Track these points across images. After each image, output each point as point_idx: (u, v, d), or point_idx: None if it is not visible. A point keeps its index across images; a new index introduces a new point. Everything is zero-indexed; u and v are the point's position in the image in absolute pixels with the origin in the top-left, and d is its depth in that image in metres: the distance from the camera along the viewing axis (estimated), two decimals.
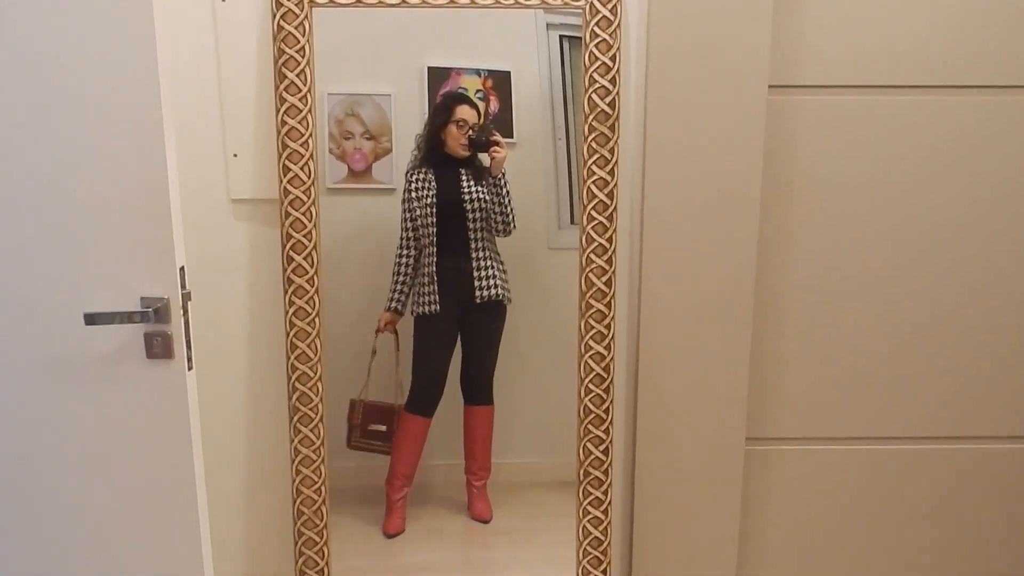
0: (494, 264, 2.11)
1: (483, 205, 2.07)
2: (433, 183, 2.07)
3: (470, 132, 2.05)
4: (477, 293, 2.07)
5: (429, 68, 2.20)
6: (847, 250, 1.48)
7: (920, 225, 1.48)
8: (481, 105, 2.17)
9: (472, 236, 2.08)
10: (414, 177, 2.09)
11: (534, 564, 2.02)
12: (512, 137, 2.20)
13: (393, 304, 2.10)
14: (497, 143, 2.05)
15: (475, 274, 2.08)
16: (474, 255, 2.08)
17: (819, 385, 1.53)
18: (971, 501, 1.60)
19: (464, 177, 2.08)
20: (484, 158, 2.06)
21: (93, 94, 1.17)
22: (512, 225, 2.10)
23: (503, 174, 2.06)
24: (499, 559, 2.18)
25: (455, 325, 2.16)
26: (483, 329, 2.17)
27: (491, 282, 2.10)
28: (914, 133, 1.45)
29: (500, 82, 2.25)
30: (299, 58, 1.39)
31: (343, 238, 2.12)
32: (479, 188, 2.08)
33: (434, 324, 2.11)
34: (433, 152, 2.08)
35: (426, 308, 2.08)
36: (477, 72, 2.24)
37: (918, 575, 1.64)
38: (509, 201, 2.08)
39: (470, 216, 2.07)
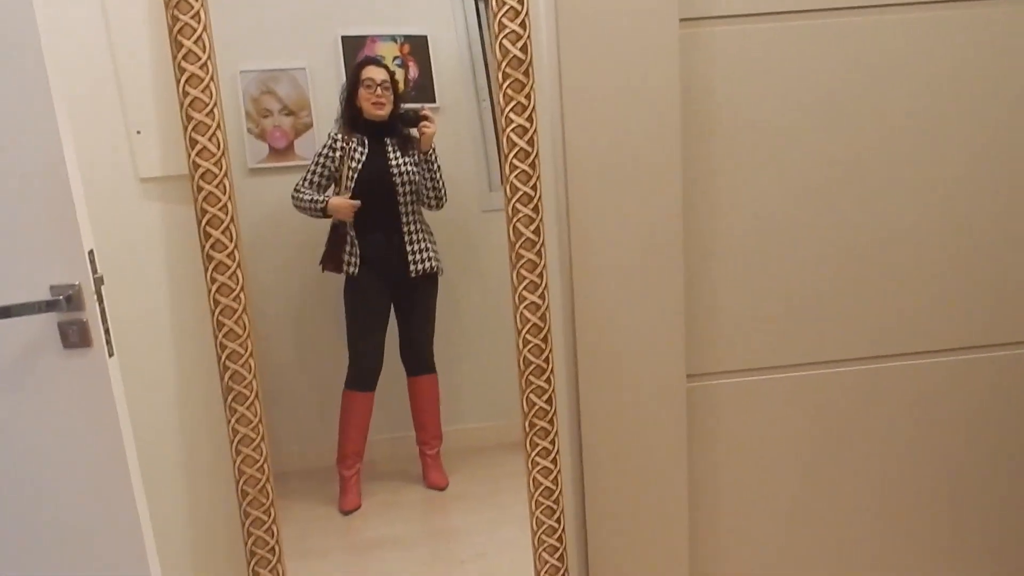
0: (425, 237, 2.08)
1: (412, 178, 2.04)
2: (362, 154, 2.02)
3: (378, 90, 2.01)
4: (411, 268, 2.05)
5: (343, 37, 2.15)
6: (773, 179, 1.48)
7: (845, 149, 1.49)
8: (398, 70, 2.13)
9: (403, 211, 2.05)
10: (339, 135, 2.02)
11: (495, 525, 2.03)
12: (435, 102, 2.17)
13: (323, 199, 2.01)
14: (427, 117, 2.01)
15: (408, 248, 2.05)
16: (405, 229, 2.05)
17: (756, 316, 1.54)
18: (922, 418, 1.63)
19: (391, 149, 2.04)
20: (414, 132, 2.03)
21: None
22: (444, 199, 2.07)
23: (433, 149, 2.03)
24: (460, 524, 2.18)
25: (387, 299, 2.13)
26: (417, 302, 2.15)
27: (424, 255, 2.07)
28: (833, 58, 1.45)
29: (418, 47, 2.20)
30: (195, 24, 1.33)
31: (269, 219, 2.07)
32: (406, 159, 2.04)
33: (366, 299, 2.08)
34: (355, 122, 2.04)
35: (349, 269, 2.04)
36: (393, 38, 2.19)
37: (872, 498, 1.67)
38: (440, 176, 2.05)
39: (400, 190, 2.03)
